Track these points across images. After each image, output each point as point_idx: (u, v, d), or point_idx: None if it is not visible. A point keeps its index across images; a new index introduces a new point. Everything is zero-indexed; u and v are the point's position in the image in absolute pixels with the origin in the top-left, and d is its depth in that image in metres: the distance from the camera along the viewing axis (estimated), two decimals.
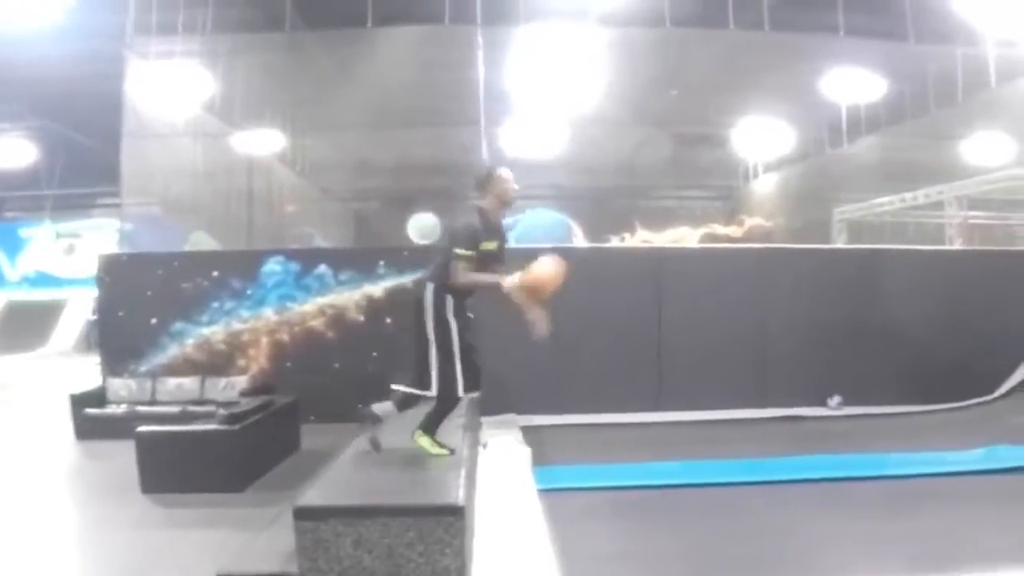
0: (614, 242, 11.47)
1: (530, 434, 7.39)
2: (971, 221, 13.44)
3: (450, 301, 4.28)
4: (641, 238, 10.93)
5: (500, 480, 5.75)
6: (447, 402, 4.34)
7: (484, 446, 6.56)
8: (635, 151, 17.41)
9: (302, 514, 3.49)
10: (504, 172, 4.59)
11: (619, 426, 8.27)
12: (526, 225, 10.36)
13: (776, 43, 14.37)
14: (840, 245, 13.47)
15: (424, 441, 4.52)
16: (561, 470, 6.38)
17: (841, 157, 17.35)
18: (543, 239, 9.64)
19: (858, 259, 9.79)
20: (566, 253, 8.93)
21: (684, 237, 14.09)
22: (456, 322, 4.25)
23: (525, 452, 6.60)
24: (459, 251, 4.30)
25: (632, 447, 7.38)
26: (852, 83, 14.99)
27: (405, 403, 4.56)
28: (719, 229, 14.97)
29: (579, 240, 10.54)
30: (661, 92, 15.94)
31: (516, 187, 4.63)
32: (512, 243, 9.71)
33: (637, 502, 5.70)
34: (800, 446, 7.30)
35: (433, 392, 4.28)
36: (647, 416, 8.44)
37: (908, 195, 13.96)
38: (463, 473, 4.12)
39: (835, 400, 8.91)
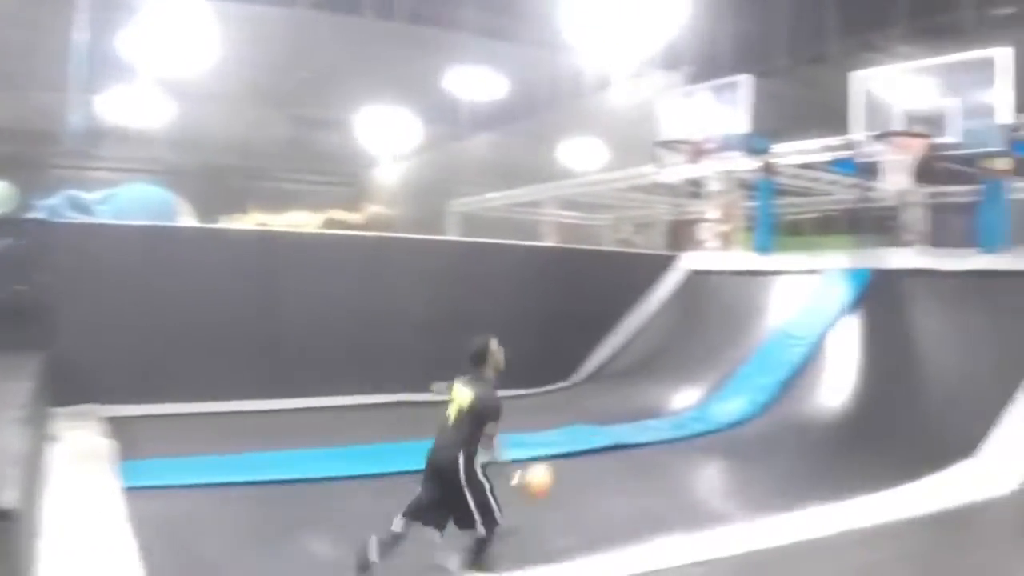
0: (225, 223, 10.86)
1: (118, 426, 6.68)
2: (563, 220, 15.06)
3: (479, 466, 4.36)
4: (256, 220, 10.46)
5: (75, 477, 5.14)
6: (491, 531, 4.23)
7: (55, 439, 5.80)
8: (252, 130, 16.76)
9: None
10: (495, 343, 4.77)
11: (224, 415, 7.80)
12: (124, 200, 9.24)
13: (406, 34, 14.82)
14: (451, 237, 14.25)
15: None
16: (153, 464, 5.84)
17: (460, 151, 18.42)
18: (143, 216, 8.72)
19: (464, 250, 10.42)
20: (168, 232, 8.47)
21: (303, 221, 13.90)
22: (487, 480, 4.34)
23: (108, 446, 5.97)
24: (495, 427, 4.48)
25: (237, 437, 6.96)
26: (474, 80, 15.99)
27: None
28: (340, 215, 15.05)
29: (186, 219, 9.73)
30: (284, 73, 15.59)
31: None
32: (108, 220, 8.79)
33: (236, 498, 5.39)
34: (406, 431, 7.48)
35: (480, 529, 4.19)
36: (256, 404, 8.11)
37: (512, 192, 15.25)
38: (18, 470, 3.57)
39: (439, 386, 9.32)
